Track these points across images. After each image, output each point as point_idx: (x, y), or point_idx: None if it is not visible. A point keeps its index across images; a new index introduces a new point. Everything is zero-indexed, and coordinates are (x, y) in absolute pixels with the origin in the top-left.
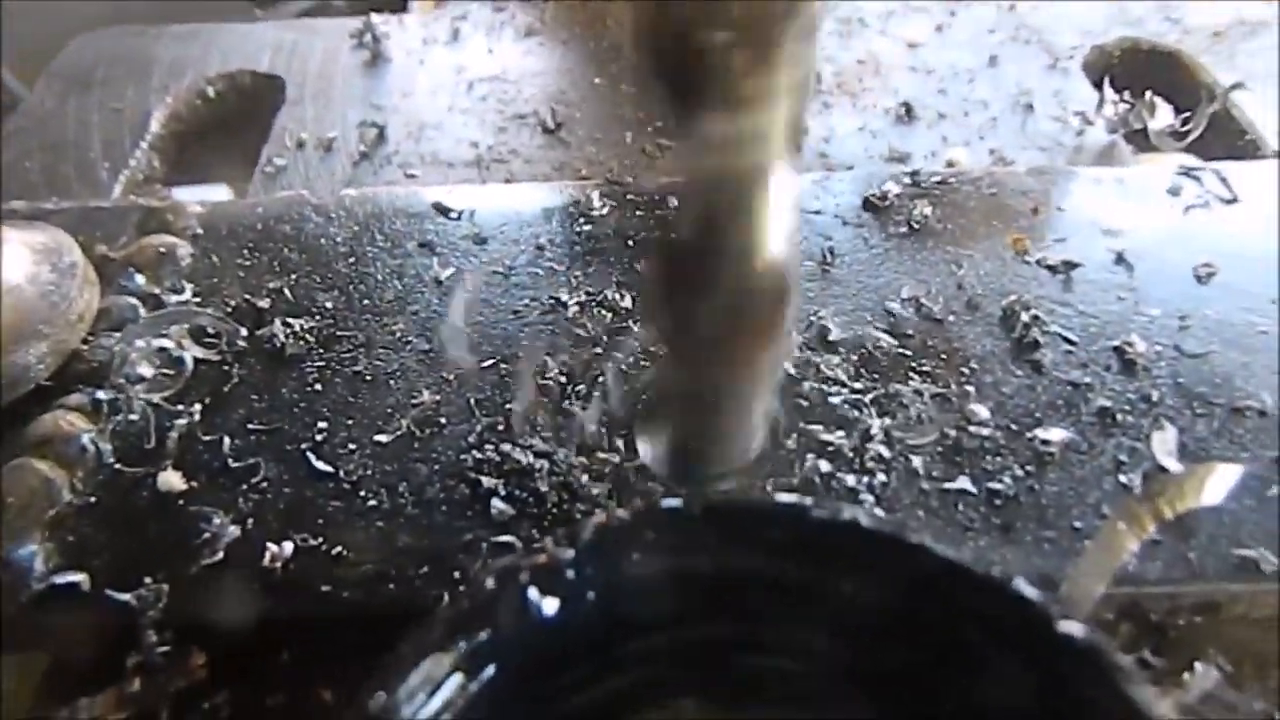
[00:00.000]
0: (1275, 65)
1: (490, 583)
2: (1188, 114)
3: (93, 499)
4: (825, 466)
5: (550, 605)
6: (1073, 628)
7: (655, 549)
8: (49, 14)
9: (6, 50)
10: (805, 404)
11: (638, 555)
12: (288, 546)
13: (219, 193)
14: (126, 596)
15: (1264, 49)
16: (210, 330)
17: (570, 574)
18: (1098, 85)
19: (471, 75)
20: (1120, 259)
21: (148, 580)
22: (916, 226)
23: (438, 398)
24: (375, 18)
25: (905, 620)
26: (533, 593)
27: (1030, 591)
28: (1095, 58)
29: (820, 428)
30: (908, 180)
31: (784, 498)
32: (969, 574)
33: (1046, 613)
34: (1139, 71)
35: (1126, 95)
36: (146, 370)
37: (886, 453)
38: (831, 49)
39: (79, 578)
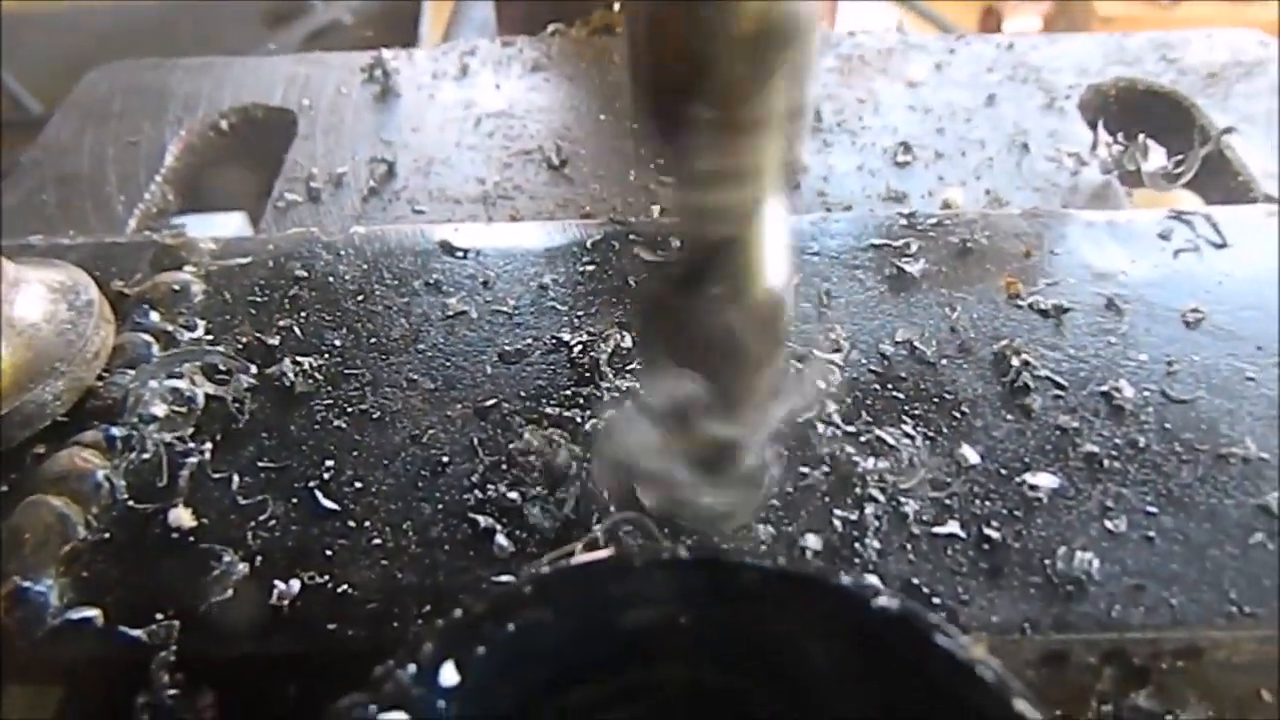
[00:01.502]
0: (1270, 107)
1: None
2: (1181, 156)
3: (106, 535)
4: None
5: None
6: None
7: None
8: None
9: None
10: (797, 445)
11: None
12: (295, 584)
13: (236, 220)
14: (138, 633)
15: (1259, 91)
16: (221, 367)
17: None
18: (1094, 125)
19: (479, 111)
20: (1110, 304)
21: (159, 616)
22: (912, 269)
23: (442, 436)
24: (386, 53)
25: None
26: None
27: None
28: (1091, 97)
29: (809, 469)
30: (904, 222)
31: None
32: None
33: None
34: (1134, 112)
35: (1121, 137)
36: (160, 410)
37: (879, 495)
38: (832, 86)
39: (93, 613)
